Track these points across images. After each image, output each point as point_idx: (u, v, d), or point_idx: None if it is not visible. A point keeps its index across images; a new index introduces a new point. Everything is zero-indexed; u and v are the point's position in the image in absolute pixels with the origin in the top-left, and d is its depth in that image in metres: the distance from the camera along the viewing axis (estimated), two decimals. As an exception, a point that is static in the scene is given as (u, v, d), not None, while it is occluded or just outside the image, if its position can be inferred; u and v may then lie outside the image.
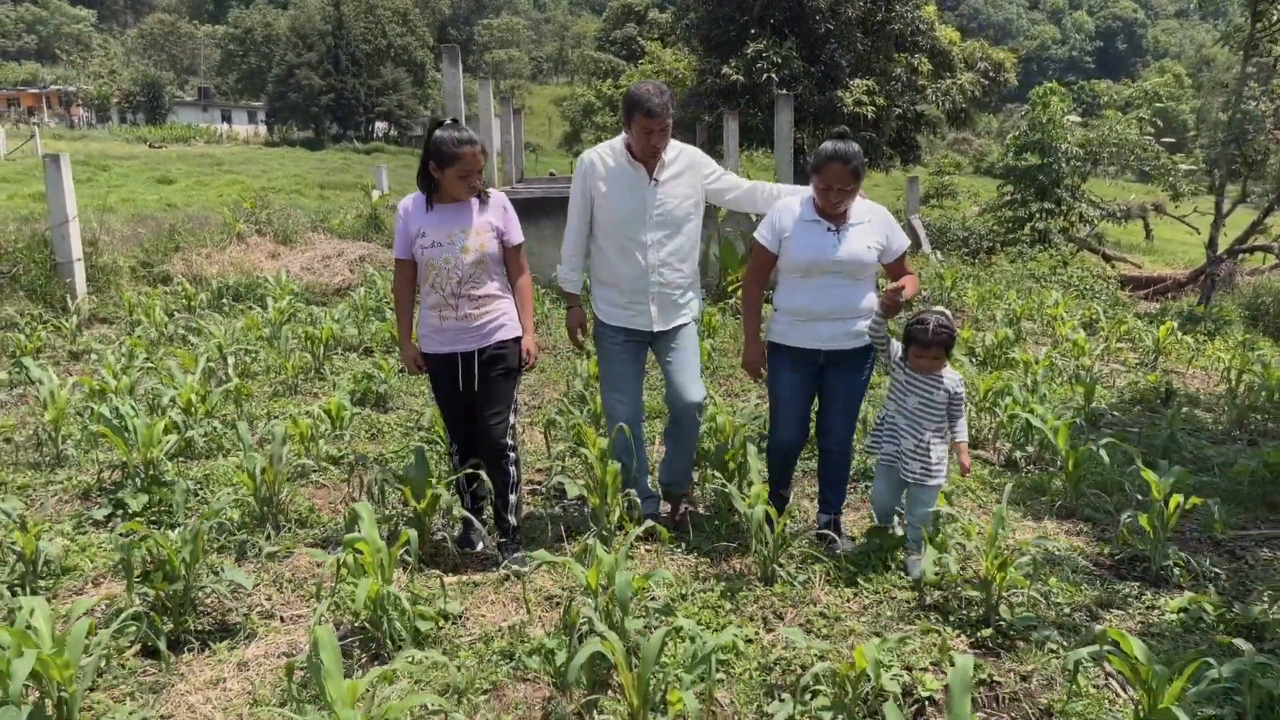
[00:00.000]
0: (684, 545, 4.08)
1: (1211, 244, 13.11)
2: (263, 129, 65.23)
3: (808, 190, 3.89)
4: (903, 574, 3.75)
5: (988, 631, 3.29)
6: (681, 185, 4.05)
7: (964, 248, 17.39)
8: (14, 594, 3.35)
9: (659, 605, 3.27)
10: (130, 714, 2.65)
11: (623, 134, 4.04)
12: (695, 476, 4.56)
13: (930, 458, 3.72)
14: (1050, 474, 5.07)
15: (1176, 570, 3.88)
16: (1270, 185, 15.49)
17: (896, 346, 3.82)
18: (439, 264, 3.74)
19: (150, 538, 3.31)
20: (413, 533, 3.37)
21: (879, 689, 2.77)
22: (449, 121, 3.77)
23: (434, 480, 3.94)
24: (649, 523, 3.62)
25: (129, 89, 64.47)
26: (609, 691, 2.94)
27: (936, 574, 3.53)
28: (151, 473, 4.52)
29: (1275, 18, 10.79)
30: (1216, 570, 3.93)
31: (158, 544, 3.32)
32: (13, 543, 3.72)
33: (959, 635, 3.30)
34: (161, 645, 3.00)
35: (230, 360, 6.73)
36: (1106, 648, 2.58)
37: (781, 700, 2.85)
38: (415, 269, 3.85)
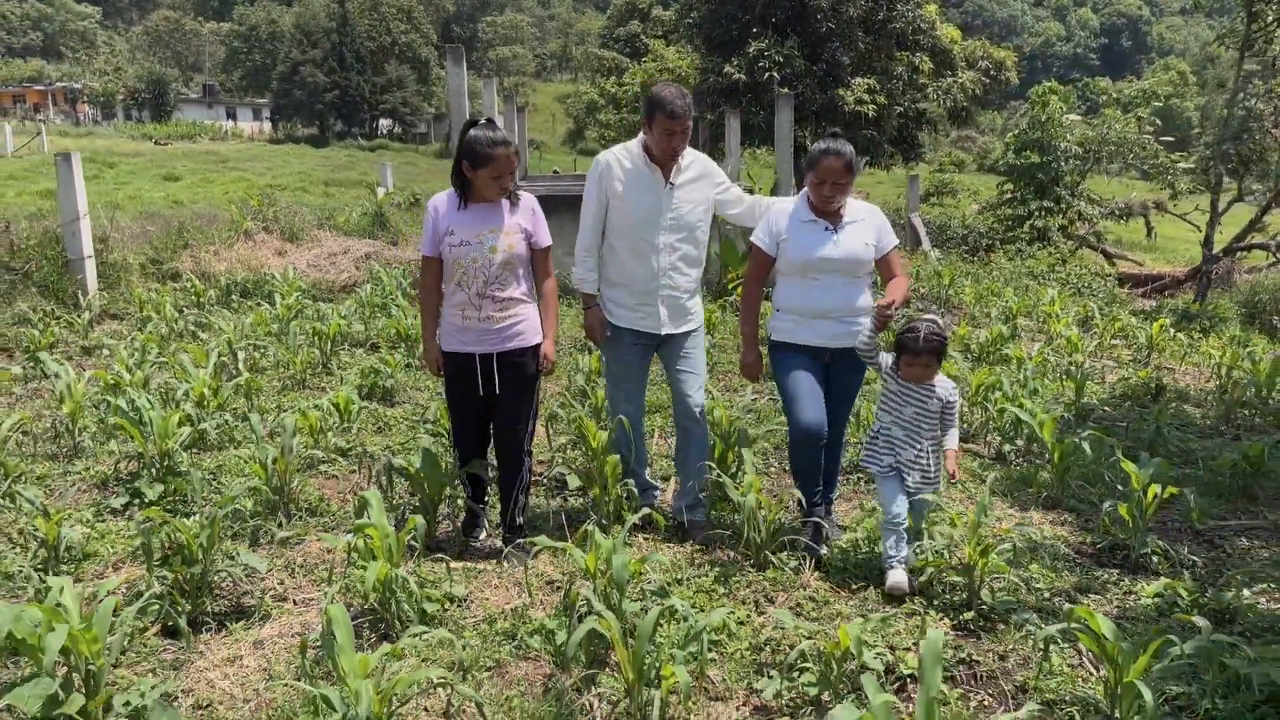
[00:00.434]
0: (680, 534, 4.23)
1: (1207, 242, 13.24)
2: (267, 126, 65.39)
3: (803, 192, 3.98)
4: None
5: (969, 615, 3.43)
6: (695, 191, 4.12)
7: (963, 245, 17.52)
8: (41, 577, 3.50)
9: (654, 588, 3.42)
10: (153, 687, 2.80)
11: (640, 136, 4.09)
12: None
13: (930, 466, 3.75)
14: (1037, 466, 5.22)
15: (1155, 558, 4.03)
16: (1270, 183, 15.58)
17: (886, 358, 3.81)
18: (466, 263, 3.75)
19: (169, 523, 3.46)
20: (420, 519, 3.52)
21: (862, 666, 2.92)
22: (484, 121, 3.76)
23: (440, 471, 4.09)
24: (645, 510, 3.77)
25: (134, 86, 64.67)
26: (606, 669, 3.09)
27: (920, 557, 3.67)
28: (167, 463, 4.69)
29: (1270, 18, 10.91)
30: (1194, 558, 4.07)
31: (176, 529, 3.48)
32: (35, 529, 3.90)
33: (942, 618, 3.45)
34: (182, 623, 3.15)
35: (240, 355, 6.89)
36: (1076, 626, 2.72)
37: (770, 677, 3.00)
38: (441, 267, 3.86)
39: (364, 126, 63.52)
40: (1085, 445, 4.71)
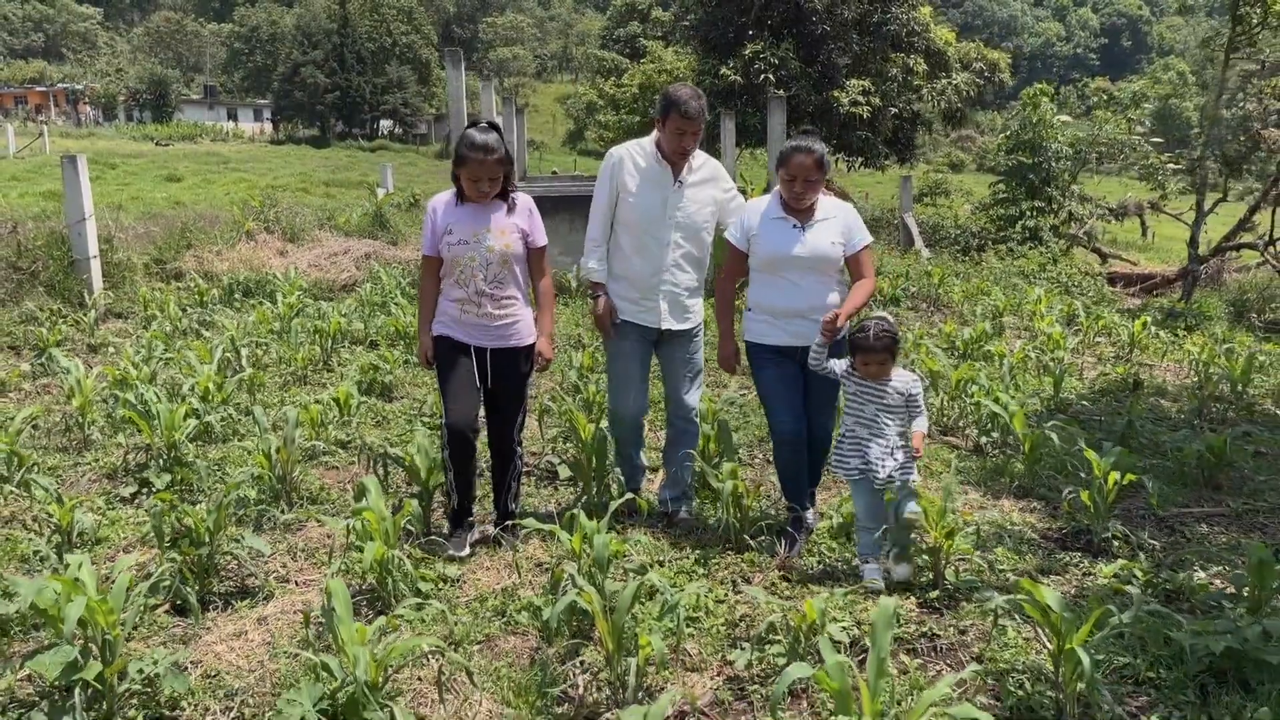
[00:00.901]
0: (666, 522, 4.43)
1: (1193, 242, 13.44)
2: (268, 127, 65.67)
3: (775, 189, 4.04)
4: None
5: (935, 594, 3.63)
6: (703, 191, 4.22)
7: (956, 245, 17.73)
8: (59, 556, 3.71)
9: (634, 566, 3.62)
10: (165, 657, 3.00)
11: (653, 133, 4.19)
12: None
13: (900, 458, 3.77)
14: (1010, 457, 5.41)
15: (1116, 542, 4.22)
16: (1257, 183, 15.79)
17: (837, 364, 3.86)
18: (464, 261, 3.84)
19: (179, 507, 3.67)
20: (415, 503, 3.73)
21: (829, 638, 3.11)
22: (484, 124, 3.86)
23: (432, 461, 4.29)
24: (629, 496, 3.97)
25: (135, 87, 65.02)
26: (589, 644, 3.29)
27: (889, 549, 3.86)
28: (174, 454, 4.89)
29: (1255, 21, 11.12)
30: (1153, 542, 4.27)
31: (185, 514, 3.68)
32: (50, 515, 4.10)
33: (908, 596, 3.64)
34: (192, 598, 3.36)
35: (244, 352, 7.09)
36: (1023, 598, 2.92)
37: (742, 649, 3.20)
38: (441, 266, 3.94)
39: (364, 127, 63.81)
40: (1053, 436, 4.91)
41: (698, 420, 4.48)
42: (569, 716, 2.91)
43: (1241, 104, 14.46)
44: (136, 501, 4.65)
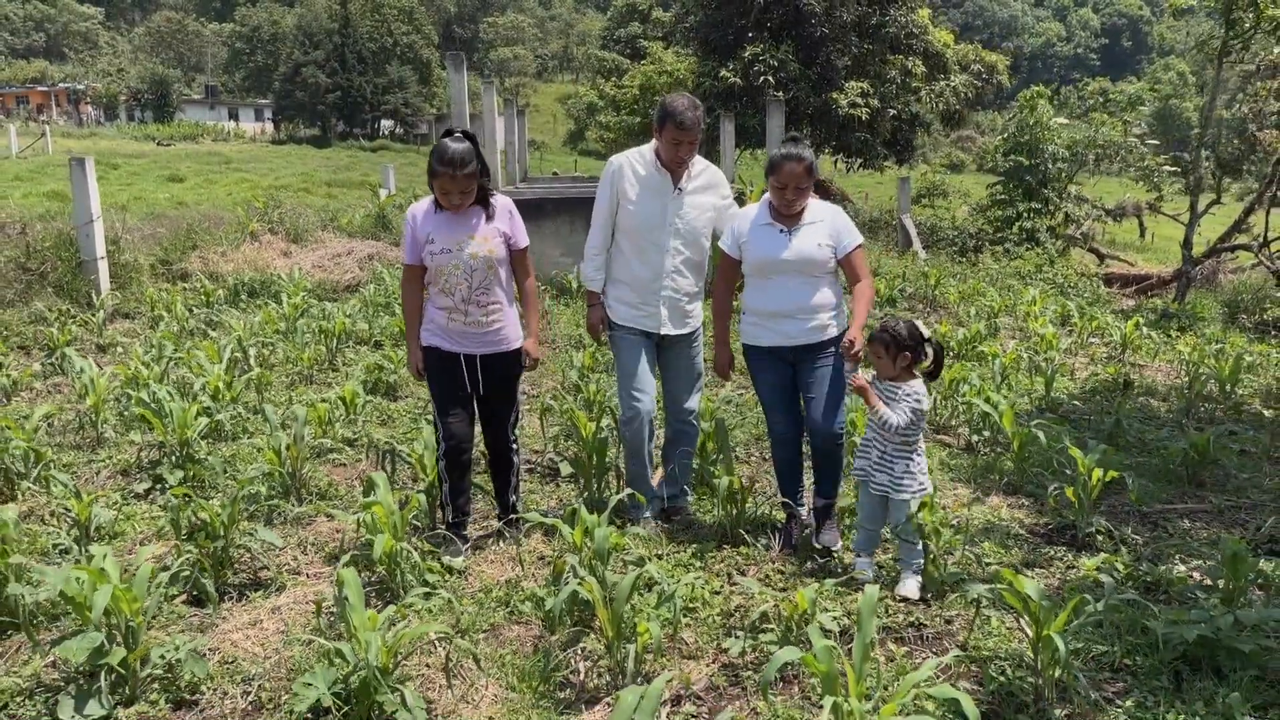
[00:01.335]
0: (662, 514, 4.57)
1: (1186, 244, 13.57)
2: (269, 127, 65.83)
3: (765, 195, 4.11)
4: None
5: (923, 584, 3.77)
6: (703, 199, 4.29)
7: (953, 246, 17.87)
8: (81, 548, 3.86)
9: (633, 558, 3.76)
10: (184, 643, 3.14)
11: (653, 141, 4.24)
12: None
13: (894, 469, 3.80)
14: (1000, 455, 5.55)
15: (1100, 537, 4.36)
16: (1256, 185, 15.91)
17: (864, 375, 3.88)
18: (448, 270, 3.86)
19: (195, 501, 3.81)
20: (422, 497, 3.87)
21: (820, 626, 3.25)
22: (458, 133, 3.85)
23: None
24: (629, 491, 4.11)
25: (136, 87, 65.22)
26: (590, 633, 3.43)
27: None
28: (186, 451, 5.03)
29: (1247, 26, 11.25)
30: (1136, 537, 4.41)
31: (200, 508, 3.83)
32: (68, 509, 4.24)
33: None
34: (210, 587, 3.50)
35: (252, 352, 7.23)
36: (1003, 587, 3.06)
37: (736, 637, 3.34)
38: (424, 274, 3.97)
39: (366, 127, 63.97)
40: (1040, 434, 5.04)
41: (697, 422, 4.59)
42: (570, 701, 3.05)
43: (1238, 106, 14.58)
44: (150, 497, 4.80)
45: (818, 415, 4.05)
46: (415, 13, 69.58)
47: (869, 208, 24.95)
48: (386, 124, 65.71)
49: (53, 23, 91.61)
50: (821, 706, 2.53)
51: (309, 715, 2.85)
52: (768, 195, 4.07)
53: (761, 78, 19.67)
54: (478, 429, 4.24)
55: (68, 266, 9.52)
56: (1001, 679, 3.09)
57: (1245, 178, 22.34)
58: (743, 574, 3.93)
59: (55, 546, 4.03)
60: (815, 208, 4.07)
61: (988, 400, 5.69)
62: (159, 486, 4.86)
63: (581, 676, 3.17)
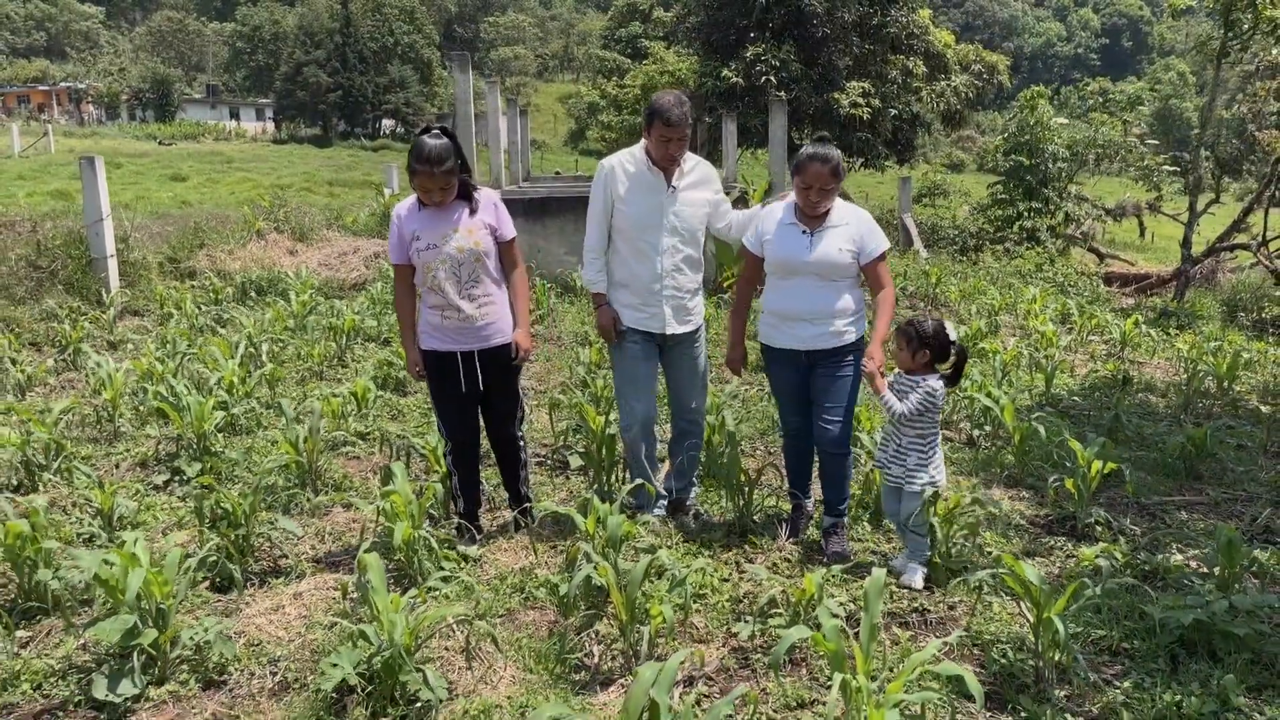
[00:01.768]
0: (670, 507, 4.66)
1: (1185, 243, 13.67)
2: (271, 126, 65.89)
3: (791, 195, 4.11)
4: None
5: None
6: (697, 194, 4.28)
7: (954, 246, 17.98)
8: (109, 535, 3.96)
9: (644, 546, 3.86)
10: (212, 625, 3.24)
11: (643, 140, 4.24)
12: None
13: (907, 462, 3.83)
14: (1001, 448, 5.66)
15: (1099, 527, 4.46)
16: (1256, 184, 16.02)
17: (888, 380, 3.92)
18: (435, 266, 3.85)
19: (217, 491, 3.91)
20: (438, 487, 3.97)
21: (827, 610, 3.35)
22: (435, 129, 3.82)
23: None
24: (639, 481, 4.21)
25: (138, 86, 65.27)
26: (603, 618, 3.53)
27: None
28: (203, 444, 5.14)
29: (1246, 27, 11.35)
30: (1135, 528, 4.51)
31: (222, 498, 3.93)
32: (90, 500, 4.35)
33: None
34: (236, 573, 3.60)
35: (264, 348, 7.33)
36: (1004, 572, 3.16)
37: (745, 622, 3.45)
38: (413, 273, 3.95)
39: (367, 127, 64.06)
40: (1040, 428, 5.15)
41: (703, 420, 4.63)
42: (585, 682, 3.16)
43: (1237, 106, 14.68)
44: (169, 489, 4.90)
45: (825, 424, 4.05)
46: (416, 12, 69.65)
47: (869, 207, 25.04)
48: (388, 124, 65.79)
49: (54, 22, 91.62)
50: (829, 687, 2.64)
51: (334, 694, 2.96)
52: (793, 196, 4.06)
53: (763, 78, 19.79)
54: (483, 422, 4.30)
55: (78, 264, 9.61)
56: (1003, 661, 3.19)
57: (1244, 177, 22.48)
58: (751, 562, 4.03)
59: (80, 535, 4.13)
60: (841, 210, 4.03)
61: (989, 395, 5.78)
62: (177, 478, 4.96)
63: (596, 659, 3.27)
